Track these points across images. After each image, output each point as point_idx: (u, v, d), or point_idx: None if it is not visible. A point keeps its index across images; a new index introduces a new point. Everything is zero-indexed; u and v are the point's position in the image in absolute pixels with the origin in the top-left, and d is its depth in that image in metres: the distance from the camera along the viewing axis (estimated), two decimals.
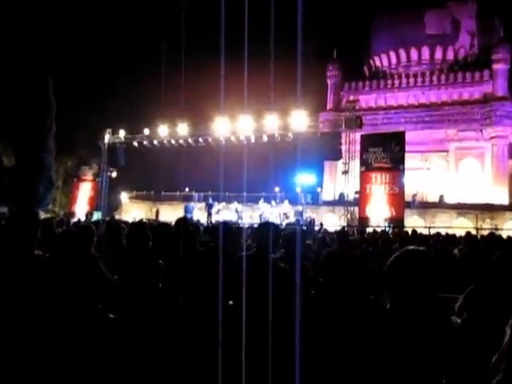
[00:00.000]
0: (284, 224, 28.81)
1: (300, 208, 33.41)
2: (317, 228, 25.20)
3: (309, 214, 35.31)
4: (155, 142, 35.19)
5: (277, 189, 37.11)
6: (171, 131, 34.44)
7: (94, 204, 36.44)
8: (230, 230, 5.26)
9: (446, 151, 44.18)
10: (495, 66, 43.02)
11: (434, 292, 2.43)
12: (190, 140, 34.46)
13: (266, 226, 4.91)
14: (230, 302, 4.43)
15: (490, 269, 4.23)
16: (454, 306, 4.50)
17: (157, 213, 37.71)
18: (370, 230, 20.42)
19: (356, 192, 31.44)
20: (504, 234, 19.07)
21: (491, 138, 42.15)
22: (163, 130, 34.51)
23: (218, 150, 32.44)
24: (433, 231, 18.63)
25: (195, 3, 39.94)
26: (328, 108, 47.68)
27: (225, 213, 34.73)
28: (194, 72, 35.37)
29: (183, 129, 33.94)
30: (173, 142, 34.84)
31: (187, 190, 41.36)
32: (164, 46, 35.49)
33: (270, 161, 30.62)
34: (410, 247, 2.49)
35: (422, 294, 2.36)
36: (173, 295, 4.76)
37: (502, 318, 2.32)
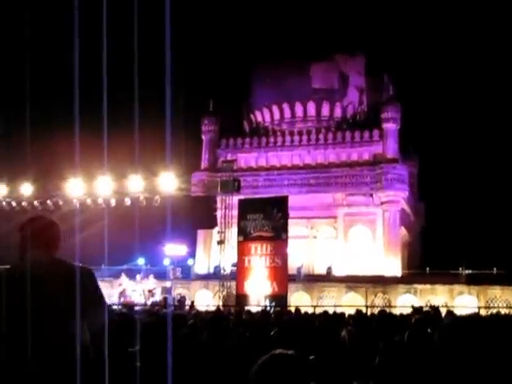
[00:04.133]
0: (149, 303, 28.26)
1: (168, 284, 32.90)
2: (188, 308, 24.91)
3: (179, 290, 34.86)
4: None
5: (141, 261, 36.34)
6: (11, 190, 33.01)
7: None
8: None
9: (334, 217, 45.64)
10: (385, 126, 45.53)
11: None
12: (35, 202, 33.13)
13: None
14: None
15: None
16: None
17: None
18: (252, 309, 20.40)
19: (233, 264, 31.56)
20: (397, 311, 19.87)
21: (382, 203, 44.15)
22: (1, 189, 33.09)
23: (70, 214, 31.37)
24: (320, 309, 19.04)
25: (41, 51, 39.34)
26: (202, 168, 48.08)
27: None
28: (41, 123, 34.38)
29: (26, 188, 32.64)
30: (13, 203, 33.33)
31: None
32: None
33: (133, 228, 30.00)
34: (277, 351, 2.57)
35: None
36: None
37: None
